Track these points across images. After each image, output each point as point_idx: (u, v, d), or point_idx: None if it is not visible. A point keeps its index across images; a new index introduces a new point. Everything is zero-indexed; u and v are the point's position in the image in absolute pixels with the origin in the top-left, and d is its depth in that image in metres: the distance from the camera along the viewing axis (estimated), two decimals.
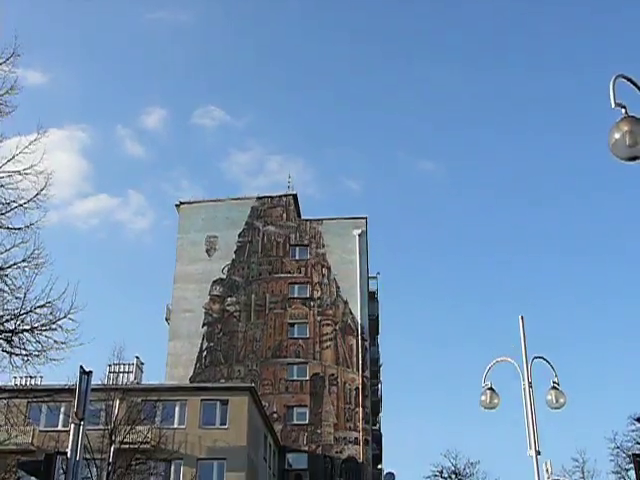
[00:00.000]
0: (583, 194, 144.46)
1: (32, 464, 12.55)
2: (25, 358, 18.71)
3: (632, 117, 7.51)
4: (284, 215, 63.01)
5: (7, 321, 18.92)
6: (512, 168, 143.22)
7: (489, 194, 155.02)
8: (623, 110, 7.57)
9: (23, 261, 18.84)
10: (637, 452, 44.72)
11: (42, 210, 19.27)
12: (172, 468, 40.68)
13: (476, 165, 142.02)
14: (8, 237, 18.98)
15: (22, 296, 18.86)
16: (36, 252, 18.93)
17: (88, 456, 30.70)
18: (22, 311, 18.76)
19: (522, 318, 16.38)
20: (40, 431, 40.21)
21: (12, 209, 18.83)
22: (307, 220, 63.07)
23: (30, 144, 18.94)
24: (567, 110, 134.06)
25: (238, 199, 64.48)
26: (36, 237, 19.02)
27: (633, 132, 7.38)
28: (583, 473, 68.74)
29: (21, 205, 18.87)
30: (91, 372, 12.30)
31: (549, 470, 16.07)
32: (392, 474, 63.21)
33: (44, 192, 19.05)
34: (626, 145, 7.40)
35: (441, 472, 60.67)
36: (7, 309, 19.09)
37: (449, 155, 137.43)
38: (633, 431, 57.31)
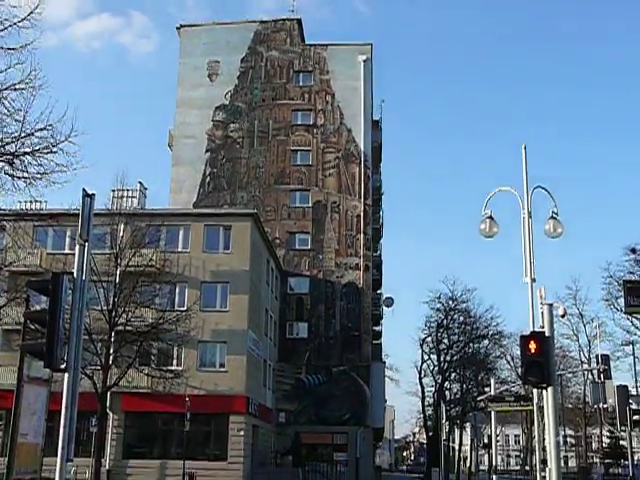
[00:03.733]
0: (598, 22, 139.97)
1: (41, 283, 12.84)
2: (28, 181, 18.83)
3: None
4: (288, 40, 61.35)
5: (8, 144, 18.88)
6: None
7: (502, 22, 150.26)
8: None
9: (20, 82, 18.50)
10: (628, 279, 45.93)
11: (38, 30, 18.68)
12: (177, 290, 41.97)
13: None
14: (4, 58, 18.55)
15: (21, 119, 18.70)
16: (33, 73, 18.54)
17: (95, 278, 31.65)
18: (22, 134, 18.68)
19: (525, 147, 16.36)
20: (47, 254, 41.19)
21: (5, 28, 18.25)
22: (311, 45, 61.47)
23: None
24: None
25: (240, 22, 62.56)
26: (33, 58, 18.56)
27: None
28: (575, 300, 71.00)
29: (15, 24, 18.26)
30: (94, 194, 12.35)
31: (543, 296, 16.45)
32: (391, 298, 65.20)
33: (38, 10, 18.39)
34: None
35: (438, 297, 62.55)
36: (7, 132, 19.01)
37: None
38: (627, 261, 58.47)
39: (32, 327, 13.68)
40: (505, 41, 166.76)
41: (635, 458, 51.78)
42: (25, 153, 18.89)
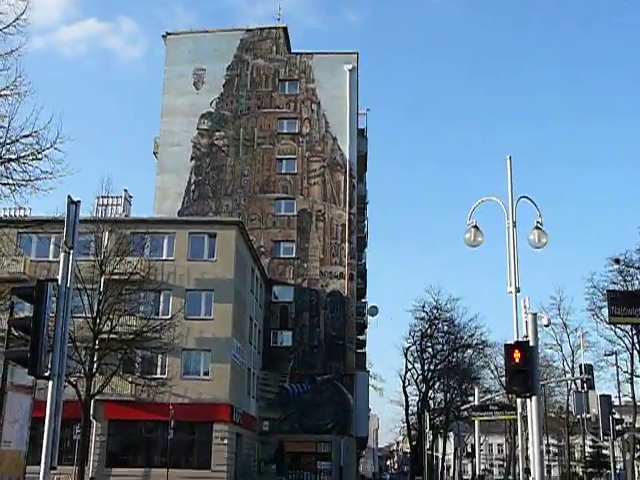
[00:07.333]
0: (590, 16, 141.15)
1: (25, 290, 12.76)
2: (12, 187, 18.76)
3: None
4: (274, 48, 61.46)
5: None
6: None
7: (494, 27, 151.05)
8: None
9: (5, 89, 18.42)
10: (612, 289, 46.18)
11: (24, 36, 18.63)
12: (161, 298, 41.82)
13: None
14: None
15: (6, 125, 18.65)
16: (19, 80, 18.48)
17: (80, 286, 31.50)
18: (7, 140, 18.61)
19: (510, 158, 16.44)
20: (32, 261, 40.96)
21: None
22: (297, 54, 61.61)
23: None
24: None
25: (226, 30, 62.60)
26: (18, 64, 18.50)
27: None
28: (559, 310, 71.33)
29: (0, 30, 18.20)
30: (79, 202, 12.32)
31: (527, 306, 16.54)
32: (376, 307, 65.29)
33: (24, 17, 18.34)
34: None
35: (423, 307, 62.64)
36: None
37: None
38: (610, 271, 58.82)
39: (16, 334, 13.63)
40: (497, 47, 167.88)
41: (617, 467, 51.99)
42: (10, 160, 18.83)
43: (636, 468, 73.85)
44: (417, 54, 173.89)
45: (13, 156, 18.79)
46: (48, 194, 19.43)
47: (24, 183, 18.78)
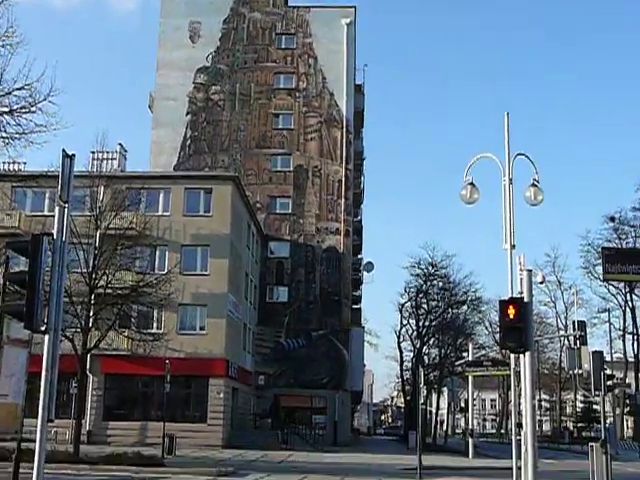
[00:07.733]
0: None
1: (20, 244, 12.69)
2: (6, 141, 18.63)
3: None
4: (271, 1, 60.66)
5: None
6: None
7: None
8: None
9: None
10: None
11: None
12: (157, 253, 41.74)
13: None
14: None
15: None
16: (10, 30, 18.21)
17: (75, 241, 31.35)
18: (0, 93, 18.39)
19: (507, 114, 16.32)
20: (26, 216, 40.82)
21: None
22: (294, 7, 60.84)
23: None
24: None
25: None
26: (9, 14, 18.22)
27: None
28: (554, 267, 71.83)
29: None
30: (74, 155, 12.15)
31: (522, 263, 16.58)
32: (371, 263, 65.41)
33: None
34: None
35: (418, 263, 62.56)
36: None
37: None
38: (605, 229, 59.05)
39: (12, 288, 13.62)
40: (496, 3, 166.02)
41: (607, 422, 52.80)
42: (3, 112, 18.64)
43: (625, 422, 74.90)
44: (413, 5, 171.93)
45: (6, 109, 18.61)
46: (42, 148, 19.31)
47: (18, 136, 18.64)
